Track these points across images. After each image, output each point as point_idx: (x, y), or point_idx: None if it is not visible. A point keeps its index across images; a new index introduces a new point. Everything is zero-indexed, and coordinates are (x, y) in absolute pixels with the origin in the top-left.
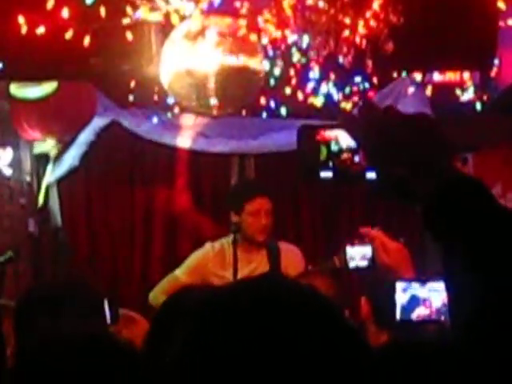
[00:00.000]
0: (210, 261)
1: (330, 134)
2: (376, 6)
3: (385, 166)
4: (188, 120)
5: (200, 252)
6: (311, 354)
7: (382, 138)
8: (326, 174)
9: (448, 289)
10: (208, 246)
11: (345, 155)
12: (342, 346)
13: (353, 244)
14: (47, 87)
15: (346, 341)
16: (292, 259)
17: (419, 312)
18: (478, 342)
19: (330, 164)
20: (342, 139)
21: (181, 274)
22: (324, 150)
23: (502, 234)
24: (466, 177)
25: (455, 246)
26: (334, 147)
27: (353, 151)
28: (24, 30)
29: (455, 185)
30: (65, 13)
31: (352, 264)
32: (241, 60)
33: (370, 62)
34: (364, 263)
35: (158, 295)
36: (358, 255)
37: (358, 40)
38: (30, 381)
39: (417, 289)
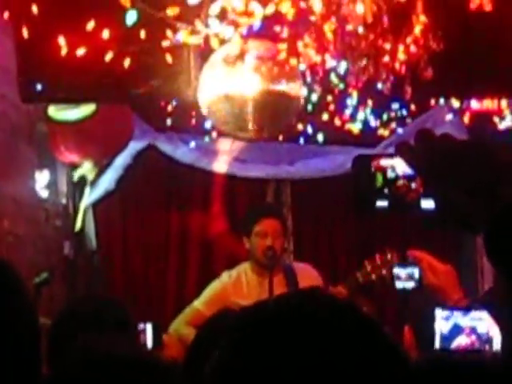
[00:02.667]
0: (229, 290)
1: (386, 162)
2: (416, 31)
3: (445, 193)
4: (225, 145)
5: (218, 282)
6: (354, 370)
7: (444, 164)
8: (382, 204)
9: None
10: (225, 275)
11: (401, 182)
12: (385, 362)
13: (400, 264)
14: (85, 110)
15: (389, 356)
16: (309, 278)
17: (460, 341)
18: None
19: (386, 191)
20: (399, 167)
21: (200, 305)
22: (380, 178)
23: None
24: None
25: None
26: (390, 174)
27: (409, 178)
28: (64, 51)
29: None
30: (105, 34)
31: (399, 284)
32: (280, 85)
33: (408, 89)
34: (411, 284)
35: (179, 327)
36: (404, 275)
37: (397, 66)
38: None
39: (459, 317)
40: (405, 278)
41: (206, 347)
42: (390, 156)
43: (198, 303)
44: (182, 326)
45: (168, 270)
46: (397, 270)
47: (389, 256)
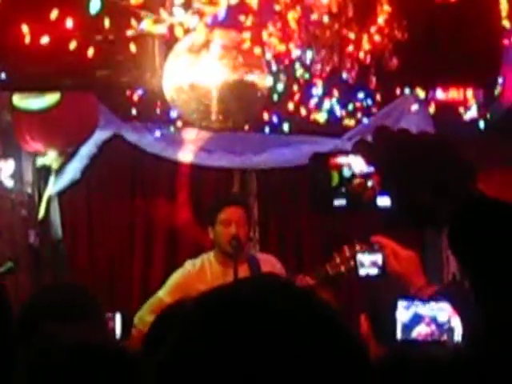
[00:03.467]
0: (192, 278)
1: (342, 160)
2: (381, 21)
3: (404, 189)
4: (190, 134)
5: (181, 271)
6: (306, 354)
7: (403, 159)
8: (339, 202)
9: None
10: (188, 264)
11: (357, 180)
12: (340, 350)
13: (363, 251)
14: (50, 99)
15: (344, 345)
16: (272, 269)
17: (420, 330)
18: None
19: (343, 190)
20: (355, 165)
21: (164, 294)
22: (336, 176)
23: None
24: (491, 198)
25: (483, 268)
26: (346, 173)
27: (365, 176)
28: (27, 39)
29: (482, 206)
30: (69, 23)
31: (362, 271)
32: (245, 74)
33: (373, 78)
34: (374, 271)
35: (143, 317)
36: (368, 262)
37: (362, 55)
38: None
39: (419, 306)
40: (368, 264)
41: (161, 335)
42: (346, 153)
43: (161, 292)
44: (147, 315)
45: (133, 260)
46: (360, 257)
47: (357, 247)
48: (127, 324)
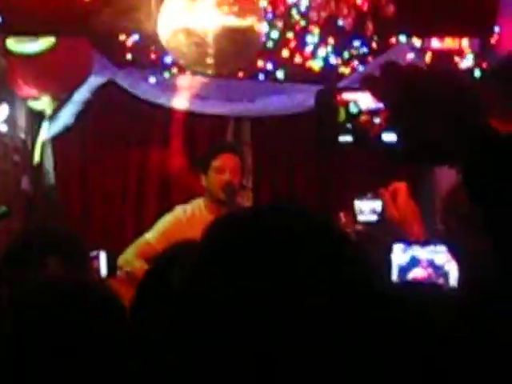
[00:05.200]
0: (182, 226)
1: (349, 96)
2: None
3: (414, 125)
4: (185, 81)
5: (171, 216)
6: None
7: (413, 94)
8: (345, 138)
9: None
10: (179, 209)
11: (364, 117)
12: (353, 274)
13: (362, 198)
14: (44, 43)
15: (357, 270)
16: None
17: (416, 273)
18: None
19: (349, 126)
20: (362, 101)
21: (152, 238)
22: (342, 112)
23: None
24: (506, 134)
25: (498, 206)
26: (353, 109)
27: (373, 113)
28: None
29: (497, 141)
30: None
31: (361, 218)
32: (240, 20)
33: (370, 25)
34: (373, 217)
35: (130, 259)
36: (367, 209)
37: (359, 2)
38: (15, 330)
39: (416, 250)
40: (368, 211)
41: (157, 284)
42: (353, 90)
43: (149, 236)
44: (133, 258)
45: (126, 206)
46: (359, 204)
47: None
48: (112, 262)
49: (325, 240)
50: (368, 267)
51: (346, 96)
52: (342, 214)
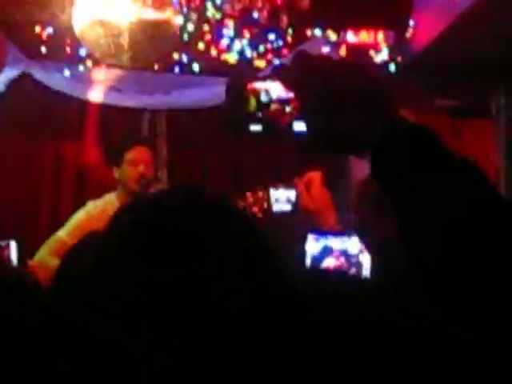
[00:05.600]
0: (94, 219)
1: (260, 85)
2: None
3: (326, 115)
4: (100, 74)
5: (83, 211)
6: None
7: (325, 84)
8: (255, 128)
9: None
10: (91, 204)
11: (275, 106)
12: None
13: (277, 187)
14: None
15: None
16: None
17: (329, 262)
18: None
19: (259, 115)
20: (273, 90)
21: (65, 235)
22: (253, 101)
23: (455, 182)
24: (417, 124)
25: (406, 197)
26: (263, 98)
27: (283, 102)
28: None
29: (407, 131)
30: None
31: (276, 207)
32: (155, 12)
33: (284, 18)
34: (288, 207)
35: (45, 258)
36: (283, 198)
37: None
38: None
39: (329, 239)
40: (283, 200)
41: (73, 269)
42: (264, 79)
43: (62, 233)
44: (47, 256)
45: (41, 201)
46: (275, 193)
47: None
48: (23, 252)
49: (237, 228)
50: (279, 256)
51: (257, 85)
52: (248, 194)
